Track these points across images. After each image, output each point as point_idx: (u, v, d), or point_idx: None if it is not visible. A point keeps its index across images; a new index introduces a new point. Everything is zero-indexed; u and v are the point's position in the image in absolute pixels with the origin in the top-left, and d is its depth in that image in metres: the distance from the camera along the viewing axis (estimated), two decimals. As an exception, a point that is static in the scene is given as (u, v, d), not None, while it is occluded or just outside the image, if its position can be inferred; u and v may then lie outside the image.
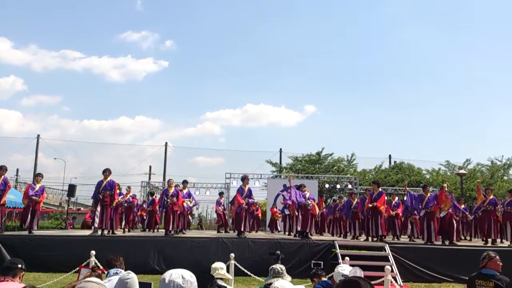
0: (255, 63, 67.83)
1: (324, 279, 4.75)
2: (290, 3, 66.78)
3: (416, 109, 60.03)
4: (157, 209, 17.34)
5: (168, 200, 12.94)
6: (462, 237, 16.76)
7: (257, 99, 78.30)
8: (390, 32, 64.04)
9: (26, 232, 12.29)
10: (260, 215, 20.19)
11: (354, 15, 66.10)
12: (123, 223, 15.42)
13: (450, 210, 12.39)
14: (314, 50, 65.90)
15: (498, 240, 13.63)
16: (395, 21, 63.38)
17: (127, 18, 68.77)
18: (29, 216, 12.31)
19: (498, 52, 58.92)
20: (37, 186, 12.74)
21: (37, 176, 13.12)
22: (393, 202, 15.05)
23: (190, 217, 19.25)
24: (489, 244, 12.95)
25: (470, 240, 15.73)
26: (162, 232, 14.43)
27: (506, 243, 13.06)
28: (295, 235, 13.42)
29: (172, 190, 13.18)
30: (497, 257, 4.75)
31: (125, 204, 15.49)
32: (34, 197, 12.43)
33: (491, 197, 13.63)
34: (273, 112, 63.21)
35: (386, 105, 60.66)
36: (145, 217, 17.17)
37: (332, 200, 18.52)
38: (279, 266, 4.25)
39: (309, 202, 12.48)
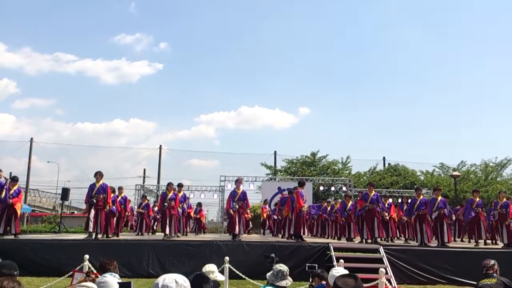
0: (249, 65, 68.07)
1: (323, 282, 4.76)
2: (284, 6, 67.00)
3: (411, 111, 60.42)
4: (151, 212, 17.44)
5: (166, 204, 12.92)
6: (458, 239, 16.89)
7: (251, 101, 78.55)
8: (385, 34, 64.43)
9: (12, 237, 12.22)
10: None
11: (349, 17, 66.49)
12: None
13: (443, 212, 12.43)
14: (308, 52, 66.14)
15: (488, 241, 13.78)
16: (389, 23, 63.79)
17: (121, 21, 68.80)
18: (4, 220, 12.23)
19: (494, 54, 59.44)
20: (12, 189, 12.56)
21: (13, 181, 12.86)
22: (386, 204, 15.11)
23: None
24: (482, 246, 13.02)
25: (469, 241, 15.74)
26: (157, 235, 14.37)
27: (499, 245, 13.14)
28: (288, 238, 13.41)
29: (170, 194, 13.18)
30: None
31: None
32: (8, 200, 12.30)
33: (478, 199, 13.73)
34: (268, 115, 63.40)
35: (380, 107, 61.02)
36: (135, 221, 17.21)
37: (327, 203, 18.50)
38: (285, 268, 4.25)
39: (305, 206, 12.50)
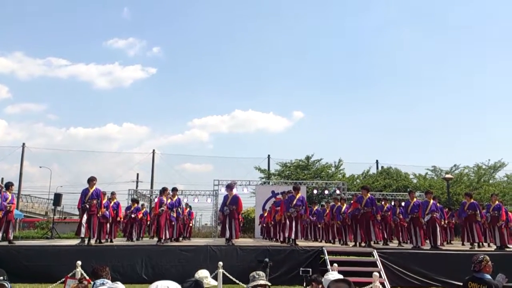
0: (243, 69, 68.09)
1: (320, 286, 4.75)
2: (277, 9, 67.24)
3: (404, 114, 60.67)
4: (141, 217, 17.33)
5: (162, 209, 12.89)
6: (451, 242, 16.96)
7: (245, 105, 78.55)
8: (378, 38, 64.80)
9: (6, 243, 12.09)
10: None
11: (342, 20, 66.81)
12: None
13: (435, 215, 12.48)
14: (302, 56, 66.37)
15: (482, 244, 13.79)
16: (383, 26, 64.18)
17: (114, 25, 68.62)
18: (4, 226, 12.17)
19: (487, 57, 59.95)
20: (10, 196, 12.52)
21: (11, 186, 12.89)
22: (385, 207, 15.17)
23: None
24: (476, 248, 13.06)
25: (463, 244, 15.79)
26: (150, 240, 14.28)
27: (493, 247, 13.20)
28: (282, 242, 13.38)
29: (166, 199, 13.19)
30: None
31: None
32: (7, 206, 12.28)
33: (471, 201, 13.76)
34: (262, 118, 63.39)
35: (373, 111, 61.26)
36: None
37: (320, 206, 18.52)
38: (260, 272, 4.22)
39: (293, 210, 12.46)
